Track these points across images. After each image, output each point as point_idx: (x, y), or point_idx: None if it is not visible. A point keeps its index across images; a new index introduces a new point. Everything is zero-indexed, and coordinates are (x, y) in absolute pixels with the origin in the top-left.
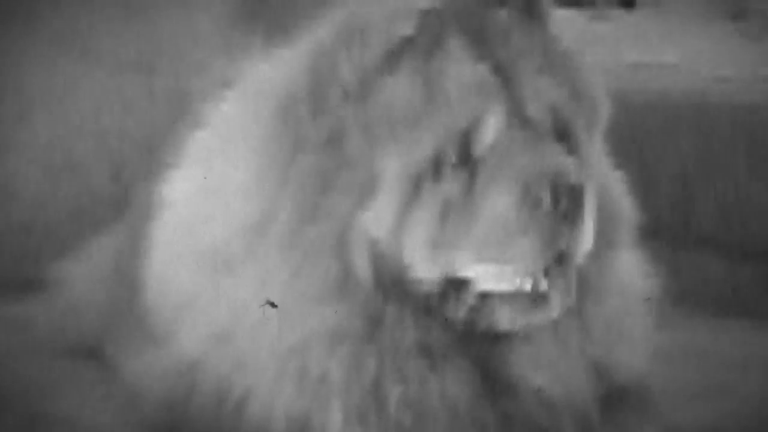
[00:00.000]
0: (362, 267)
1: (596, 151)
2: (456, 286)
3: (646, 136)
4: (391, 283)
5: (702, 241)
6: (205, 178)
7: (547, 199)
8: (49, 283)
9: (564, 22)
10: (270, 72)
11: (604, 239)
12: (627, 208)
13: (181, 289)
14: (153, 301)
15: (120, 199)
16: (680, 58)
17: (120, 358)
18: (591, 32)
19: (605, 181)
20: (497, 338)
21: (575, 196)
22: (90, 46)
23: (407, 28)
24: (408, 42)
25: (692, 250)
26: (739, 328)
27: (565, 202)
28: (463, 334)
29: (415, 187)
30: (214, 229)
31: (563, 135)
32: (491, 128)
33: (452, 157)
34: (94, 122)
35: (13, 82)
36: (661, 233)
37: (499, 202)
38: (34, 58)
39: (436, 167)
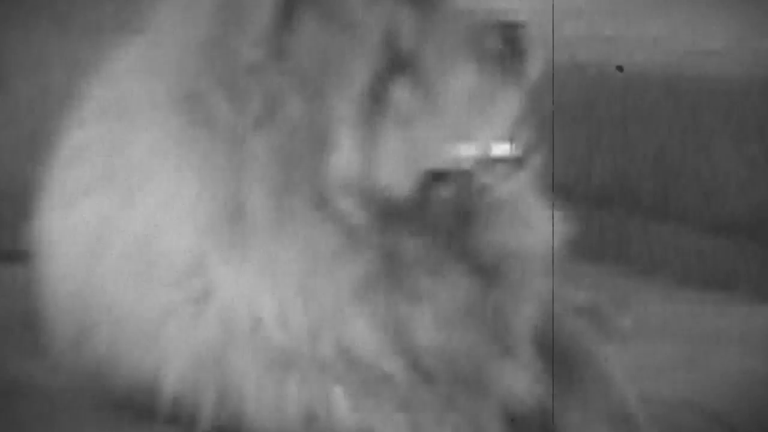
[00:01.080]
0: (348, 210)
1: None
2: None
3: (624, 110)
4: (377, 213)
5: (678, 214)
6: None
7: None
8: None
9: None
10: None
11: None
12: None
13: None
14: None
15: None
16: (660, 31)
17: None
18: (567, 4)
19: None
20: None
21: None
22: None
23: None
24: None
25: (668, 223)
26: (712, 300)
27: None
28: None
29: (368, 120)
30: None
31: None
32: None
33: (386, 69)
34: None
35: None
36: (637, 207)
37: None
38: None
39: (379, 83)
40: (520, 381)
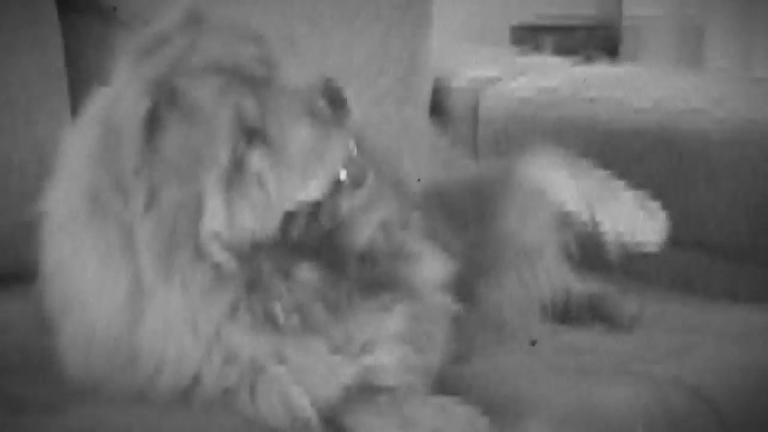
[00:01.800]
0: (222, 258)
1: None
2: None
3: (623, 158)
4: (248, 256)
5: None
6: None
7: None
8: None
9: (552, 67)
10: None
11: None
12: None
13: None
14: None
15: None
16: (654, 99)
17: None
18: (570, 74)
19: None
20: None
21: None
22: None
23: (146, 104)
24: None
25: None
26: (692, 301)
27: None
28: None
29: (228, 180)
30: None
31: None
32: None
33: (241, 143)
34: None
35: None
36: None
37: (296, 133)
38: None
39: (236, 157)
40: None
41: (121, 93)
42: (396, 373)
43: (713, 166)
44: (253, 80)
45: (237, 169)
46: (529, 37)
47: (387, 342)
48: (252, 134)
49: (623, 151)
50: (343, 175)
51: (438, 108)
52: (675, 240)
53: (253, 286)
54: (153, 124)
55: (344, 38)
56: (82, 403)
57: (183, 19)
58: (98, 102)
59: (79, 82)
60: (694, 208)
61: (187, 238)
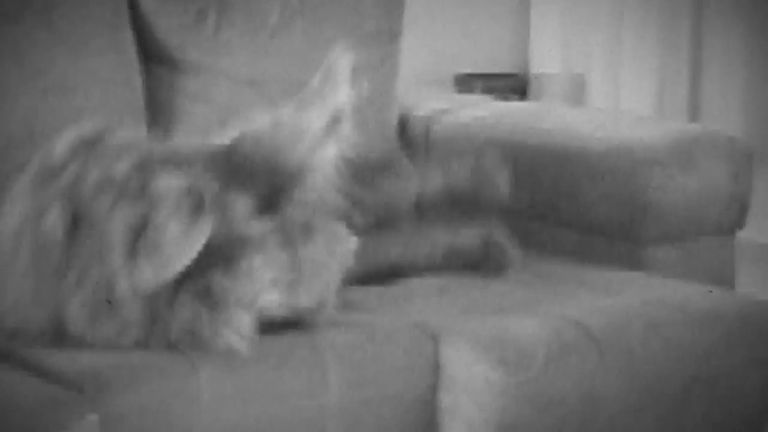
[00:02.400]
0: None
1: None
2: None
3: (532, 165)
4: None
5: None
6: None
7: (188, 204)
8: None
9: (482, 102)
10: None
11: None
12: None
13: None
14: None
15: None
16: (553, 123)
17: None
18: (495, 107)
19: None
20: None
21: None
22: None
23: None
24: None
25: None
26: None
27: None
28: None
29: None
30: None
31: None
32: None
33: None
34: None
35: None
36: (535, 217)
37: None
38: None
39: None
40: None
41: (37, 210)
42: (279, 312)
43: (593, 170)
44: (133, 191)
45: (130, 259)
46: (466, 82)
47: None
48: (137, 234)
49: (532, 160)
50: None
51: (401, 132)
52: (562, 222)
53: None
54: (71, 231)
55: None
56: None
57: (76, 146)
58: (10, 222)
59: (154, 118)
60: (578, 200)
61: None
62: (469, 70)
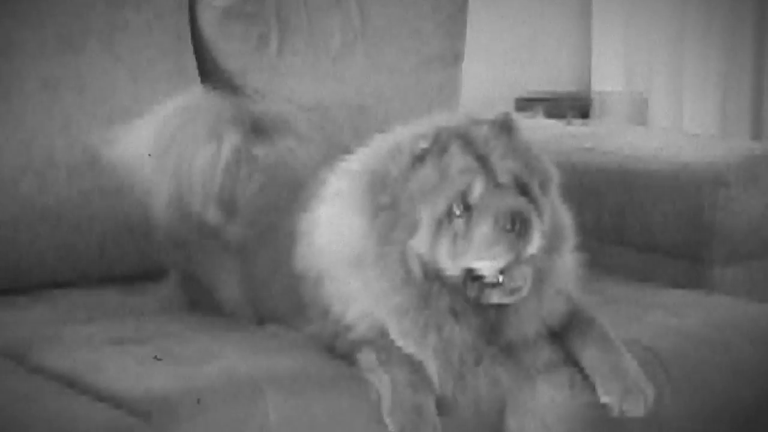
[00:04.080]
0: (415, 270)
1: (550, 197)
2: (469, 276)
3: (589, 186)
4: (433, 277)
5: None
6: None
7: (508, 224)
8: None
9: (547, 126)
10: (356, 166)
11: (552, 247)
12: (568, 227)
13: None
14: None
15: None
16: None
17: None
18: (566, 131)
19: (556, 214)
20: (495, 306)
21: (526, 222)
22: None
23: (424, 144)
24: (426, 151)
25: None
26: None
27: (518, 226)
28: (474, 303)
29: (438, 226)
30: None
31: (523, 190)
32: (477, 190)
33: (458, 207)
34: None
35: None
36: (600, 238)
37: (483, 228)
38: None
39: (449, 214)
40: None
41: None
42: None
43: (658, 191)
44: (486, 168)
45: (446, 219)
46: (527, 104)
47: None
48: (466, 204)
49: (597, 181)
50: (500, 278)
51: None
52: (627, 243)
53: (426, 301)
54: (417, 159)
55: (400, 100)
56: None
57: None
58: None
59: None
60: (643, 221)
61: (399, 244)
62: (530, 90)
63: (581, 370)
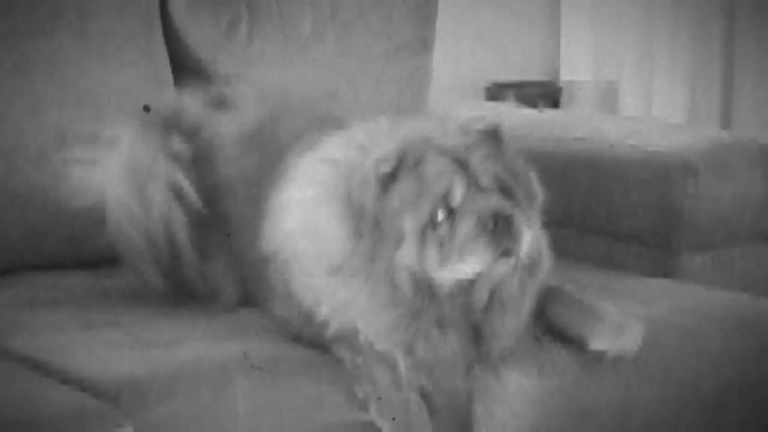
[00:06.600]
0: (404, 286)
1: (532, 203)
2: (458, 281)
3: (557, 172)
4: (423, 291)
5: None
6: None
7: (490, 224)
8: None
9: (525, 114)
10: (327, 170)
11: (530, 271)
12: (545, 254)
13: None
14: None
15: None
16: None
17: None
18: (536, 118)
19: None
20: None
21: (508, 219)
22: None
23: (386, 168)
24: (395, 168)
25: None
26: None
27: (502, 224)
28: (463, 311)
29: (423, 234)
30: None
31: (507, 193)
32: (458, 192)
33: (441, 212)
34: None
35: None
36: (567, 225)
37: (465, 229)
38: None
39: (433, 221)
40: None
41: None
42: None
43: (626, 179)
44: (467, 172)
45: (430, 226)
46: (497, 91)
47: None
48: (449, 209)
49: (565, 168)
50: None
51: None
52: (595, 231)
53: (416, 315)
54: (390, 178)
55: (371, 87)
56: None
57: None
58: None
59: None
60: (611, 209)
61: (385, 260)
62: (500, 79)
63: (562, 339)
